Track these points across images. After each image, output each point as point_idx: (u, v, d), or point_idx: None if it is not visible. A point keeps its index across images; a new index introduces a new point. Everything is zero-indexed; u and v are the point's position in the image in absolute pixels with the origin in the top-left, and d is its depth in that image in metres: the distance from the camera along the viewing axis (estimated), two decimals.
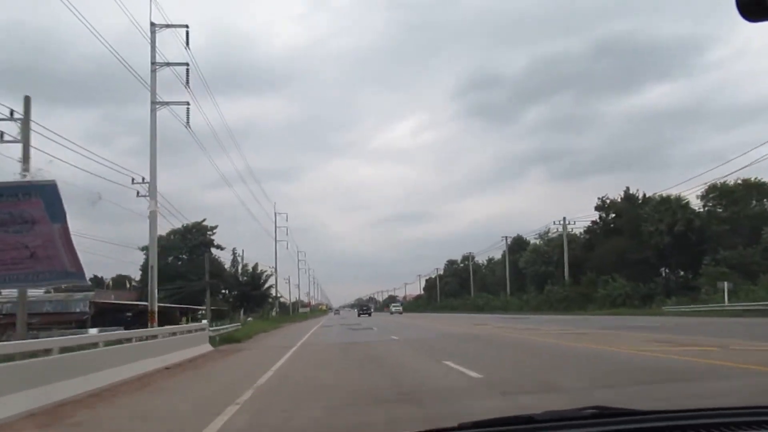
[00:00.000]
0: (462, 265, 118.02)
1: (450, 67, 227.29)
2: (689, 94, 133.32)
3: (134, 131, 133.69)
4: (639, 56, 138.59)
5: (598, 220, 58.80)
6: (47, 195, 7.85)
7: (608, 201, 57.07)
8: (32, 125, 16.54)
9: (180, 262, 58.22)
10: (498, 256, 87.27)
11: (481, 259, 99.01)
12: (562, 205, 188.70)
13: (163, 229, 52.19)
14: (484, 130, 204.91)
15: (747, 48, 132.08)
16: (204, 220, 60.47)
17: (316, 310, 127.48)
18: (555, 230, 72.49)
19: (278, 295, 65.26)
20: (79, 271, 8.47)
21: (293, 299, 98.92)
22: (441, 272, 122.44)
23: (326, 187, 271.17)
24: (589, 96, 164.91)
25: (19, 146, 16.26)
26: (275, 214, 66.68)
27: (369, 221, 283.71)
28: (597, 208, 58.13)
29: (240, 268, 53.88)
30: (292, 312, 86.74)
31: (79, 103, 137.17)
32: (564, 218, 56.90)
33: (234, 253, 54.70)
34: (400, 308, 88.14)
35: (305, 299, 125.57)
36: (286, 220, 73.90)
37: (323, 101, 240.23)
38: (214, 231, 60.00)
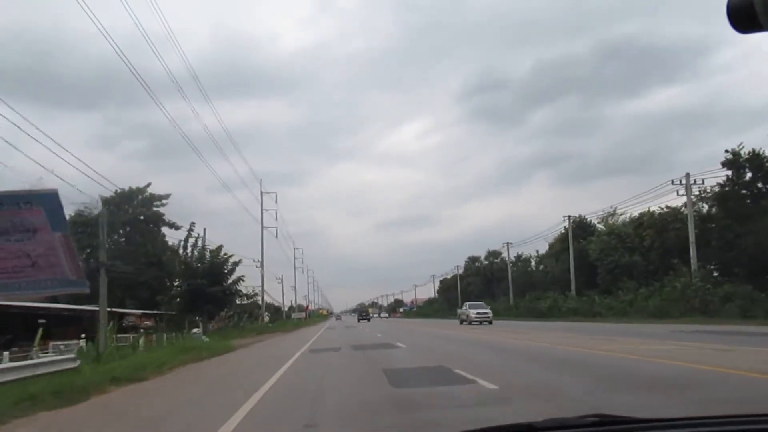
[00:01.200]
0: (486, 262, 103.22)
1: (455, 70, 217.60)
2: (696, 97, 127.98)
3: (139, 135, 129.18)
4: (645, 59, 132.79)
5: (726, 182, 40.50)
6: (48, 204, 7.73)
7: (745, 153, 38.79)
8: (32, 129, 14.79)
9: (114, 245, 39.44)
10: (532, 251, 69.69)
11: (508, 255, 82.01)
12: (568, 208, 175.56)
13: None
14: (490, 134, 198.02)
15: (756, 50, 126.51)
16: (149, 184, 41.88)
17: (316, 316, 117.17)
18: (622, 211, 56.06)
19: (249, 292, 47.00)
20: (80, 279, 8.25)
21: (288, 303, 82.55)
22: (461, 271, 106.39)
23: (331, 191, 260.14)
24: (596, 99, 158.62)
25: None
26: (261, 193, 53.81)
27: (373, 225, 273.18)
28: (726, 164, 39.73)
29: (195, 252, 33.94)
30: (286, 318, 69.61)
31: (82, 107, 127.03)
32: (687, 175, 37.98)
33: (189, 231, 35.25)
34: (489, 313, 42.74)
35: (304, 303, 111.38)
36: (276, 202, 57.83)
37: (328, 105, 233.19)
38: (164, 201, 41.31)
